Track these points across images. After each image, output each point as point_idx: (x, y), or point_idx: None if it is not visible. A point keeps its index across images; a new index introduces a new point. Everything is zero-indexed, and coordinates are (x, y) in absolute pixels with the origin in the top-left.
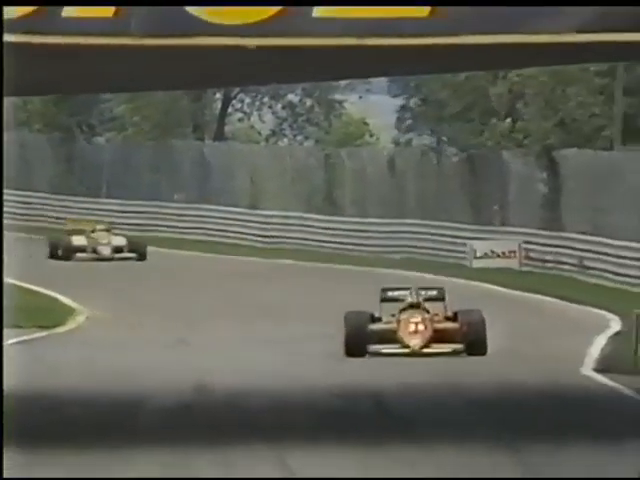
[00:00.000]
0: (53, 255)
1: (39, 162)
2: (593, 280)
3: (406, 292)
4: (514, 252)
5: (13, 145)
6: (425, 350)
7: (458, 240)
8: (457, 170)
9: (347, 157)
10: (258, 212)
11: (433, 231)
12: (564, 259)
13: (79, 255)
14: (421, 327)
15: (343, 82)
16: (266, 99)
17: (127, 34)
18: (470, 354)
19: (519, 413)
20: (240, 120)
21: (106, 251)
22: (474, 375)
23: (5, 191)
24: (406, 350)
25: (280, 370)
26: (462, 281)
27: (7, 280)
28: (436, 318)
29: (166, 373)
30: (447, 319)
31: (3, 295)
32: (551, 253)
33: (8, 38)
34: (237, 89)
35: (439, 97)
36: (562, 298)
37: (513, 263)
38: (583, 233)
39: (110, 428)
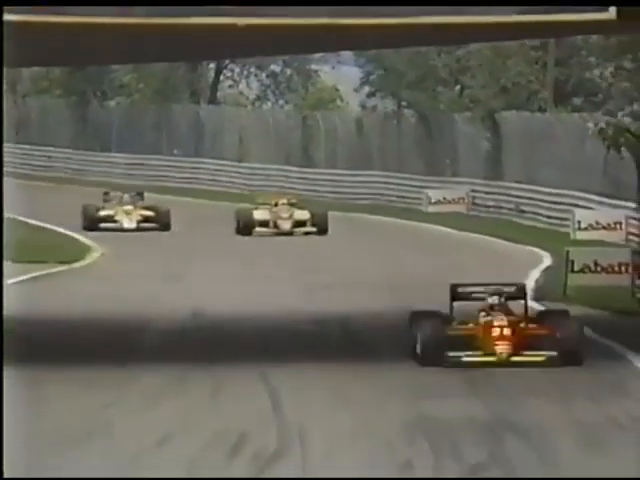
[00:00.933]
0: (238, 230)
1: (59, 123)
2: (528, 222)
3: (481, 289)
4: (462, 199)
5: (36, 109)
6: (514, 359)
7: (415, 189)
8: (414, 130)
9: (321, 119)
10: (245, 165)
11: (394, 181)
12: (503, 205)
13: (258, 230)
14: (507, 332)
15: (318, 55)
16: (252, 69)
17: (131, 15)
18: (565, 364)
19: None
20: (230, 87)
21: (286, 225)
22: (425, 303)
23: (30, 147)
24: (491, 359)
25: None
26: (418, 224)
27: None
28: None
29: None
30: (531, 321)
31: (3, 294)
32: (493, 200)
33: (28, 17)
34: (228, 61)
35: (398, 68)
36: (502, 238)
37: (461, 208)
38: (519, 182)
39: (118, 347)
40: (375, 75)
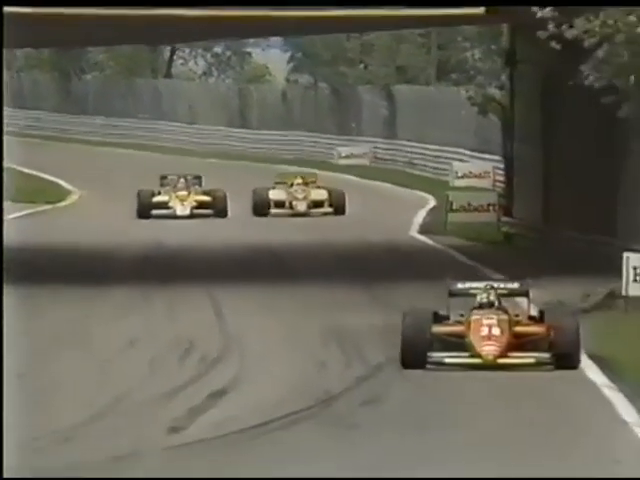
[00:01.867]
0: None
1: (46, 92)
2: (417, 172)
3: (479, 285)
4: (366, 154)
5: (28, 81)
6: (501, 361)
7: (328, 146)
8: (328, 99)
9: (254, 90)
10: (195, 126)
11: (311, 140)
12: (399, 158)
13: (274, 211)
14: (496, 331)
15: (251, 40)
16: (200, 50)
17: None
18: (559, 367)
19: (369, 261)
20: (182, 64)
21: (301, 206)
22: (339, 233)
23: (23, 111)
24: (477, 361)
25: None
26: (330, 174)
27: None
28: (517, 319)
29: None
30: (531, 319)
31: (3, 292)
32: (390, 155)
33: (25, 9)
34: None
35: (315, 51)
36: (397, 184)
37: (365, 161)
38: (410, 140)
39: (94, 270)
40: (297, 55)
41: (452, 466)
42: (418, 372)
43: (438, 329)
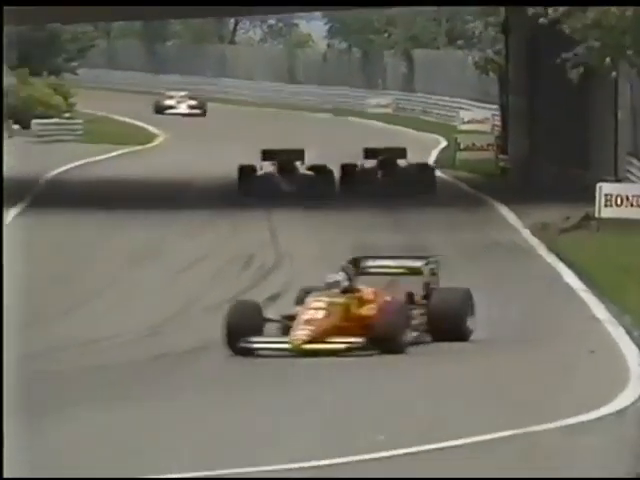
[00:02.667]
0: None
1: (136, 56)
2: (430, 119)
3: (376, 263)
4: (390, 104)
5: (122, 48)
6: (308, 347)
7: (360, 98)
8: (359, 61)
9: (300, 53)
10: (252, 82)
11: (347, 93)
12: (416, 108)
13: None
14: (319, 314)
15: (299, 14)
16: (257, 22)
17: None
18: (383, 351)
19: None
20: (243, 33)
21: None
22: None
23: (117, 73)
24: (286, 346)
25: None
26: (363, 120)
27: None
28: (359, 302)
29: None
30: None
31: (3, 290)
32: (409, 105)
33: None
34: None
35: (348, 21)
36: (414, 129)
37: (389, 110)
38: (430, 93)
39: (173, 197)
40: (334, 26)
41: None
42: None
43: (272, 314)
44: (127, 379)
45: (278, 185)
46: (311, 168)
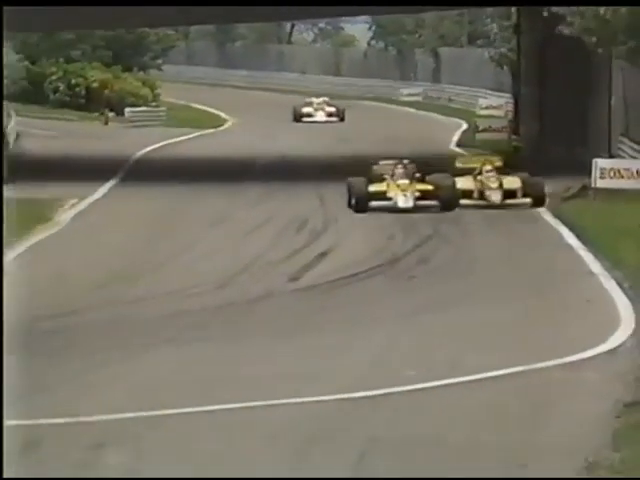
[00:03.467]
0: None
1: (209, 54)
2: (454, 106)
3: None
4: (420, 93)
5: (198, 47)
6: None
7: (395, 88)
8: (394, 57)
9: (345, 52)
10: (307, 76)
11: (384, 84)
12: (442, 96)
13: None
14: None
15: (344, 18)
16: (310, 26)
17: None
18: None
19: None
20: (298, 34)
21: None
22: (408, 141)
23: (195, 67)
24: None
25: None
26: (396, 107)
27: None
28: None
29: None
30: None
31: (3, 288)
32: (436, 94)
33: None
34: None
35: (385, 24)
36: (441, 114)
37: (419, 98)
38: (454, 84)
39: (240, 172)
40: (373, 28)
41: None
42: (456, 237)
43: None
44: (205, 322)
45: (394, 199)
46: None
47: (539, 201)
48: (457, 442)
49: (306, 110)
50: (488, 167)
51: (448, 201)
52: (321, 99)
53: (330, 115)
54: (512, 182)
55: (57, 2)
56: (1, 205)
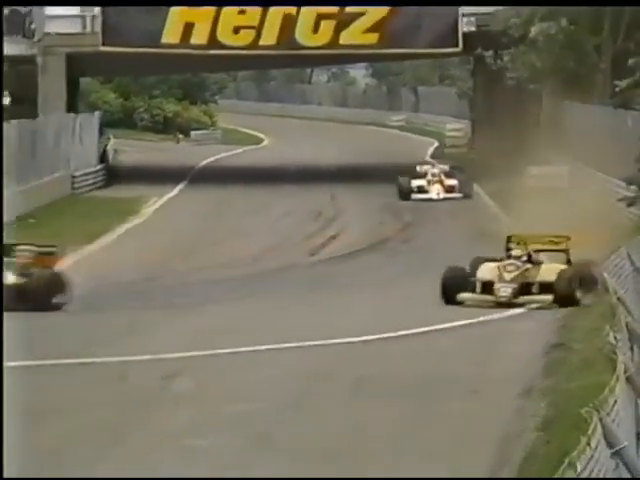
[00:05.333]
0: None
1: (249, 91)
2: (429, 128)
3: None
4: (404, 119)
5: (242, 86)
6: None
7: (385, 115)
8: (385, 93)
9: (350, 89)
10: (322, 107)
11: (377, 113)
12: (419, 122)
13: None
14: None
15: (349, 65)
16: (324, 70)
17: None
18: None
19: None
20: (316, 76)
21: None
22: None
23: (236, 101)
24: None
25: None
26: (389, 130)
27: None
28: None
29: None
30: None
31: (3, 287)
32: (415, 120)
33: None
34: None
35: (378, 69)
36: (418, 134)
37: (404, 123)
38: (428, 113)
39: (272, 176)
40: (369, 72)
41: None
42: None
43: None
44: (245, 284)
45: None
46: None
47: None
48: (429, 375)
49: (417, 184)
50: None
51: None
52: (437, 168)
53: (450, 190)
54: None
55: (58, 2)
56: (1, 205)
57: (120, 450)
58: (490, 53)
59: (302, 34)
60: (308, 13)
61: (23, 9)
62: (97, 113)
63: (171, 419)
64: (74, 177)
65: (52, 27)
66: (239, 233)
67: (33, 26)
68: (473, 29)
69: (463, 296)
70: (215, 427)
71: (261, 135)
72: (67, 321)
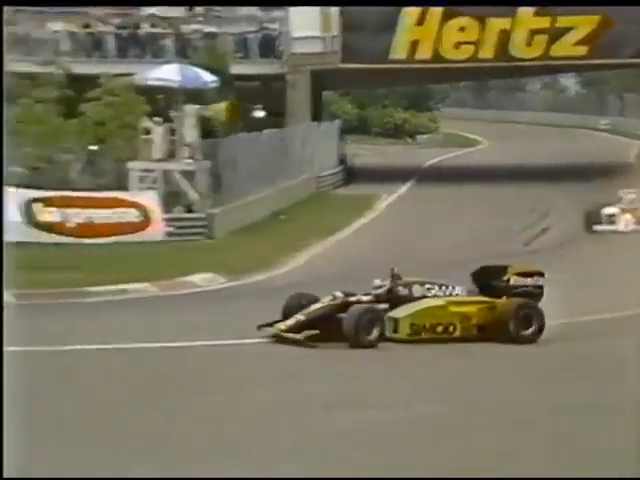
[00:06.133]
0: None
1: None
2: (636, 132)
3: None
4: (610, 123)
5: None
6: None
7: (595, 120)
8: (593, 100)
9: (561, 96)
10: (535, 113)
11: (585, 118)
12: (625, 125)
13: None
14: None
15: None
16: (539, 79)
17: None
18: None
19: None
20: (531, 85)
21: None
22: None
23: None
24: None
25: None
26: (597, 133)
27: None
28: None
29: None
30: None
31: (3, 287)
32: (622, 124)
33: None
34: None
35: (589, 77)
36: (624, 136)
37: (610, 127)
38: (634, 117)
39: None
40: (580, 79)
41: None
42: None
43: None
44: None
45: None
46: None
47: None
48: None
49: (608, 212)
50: None
51: None
52: (634, 193)
53: None
54: None
55: (58, 2)
56: (1, 205)
57: None
58: None
59: (516, 47)
60: (522, 28)
61: (274, 33)
62: (337, 121)
63: None
64: (319, 177)
65: (298, 48)
66: (462, 227)
67: (282, 48)
68: None
69: None
70: None
71: (479, 138)
72: None
